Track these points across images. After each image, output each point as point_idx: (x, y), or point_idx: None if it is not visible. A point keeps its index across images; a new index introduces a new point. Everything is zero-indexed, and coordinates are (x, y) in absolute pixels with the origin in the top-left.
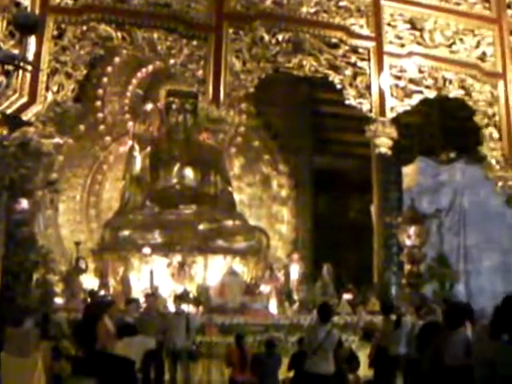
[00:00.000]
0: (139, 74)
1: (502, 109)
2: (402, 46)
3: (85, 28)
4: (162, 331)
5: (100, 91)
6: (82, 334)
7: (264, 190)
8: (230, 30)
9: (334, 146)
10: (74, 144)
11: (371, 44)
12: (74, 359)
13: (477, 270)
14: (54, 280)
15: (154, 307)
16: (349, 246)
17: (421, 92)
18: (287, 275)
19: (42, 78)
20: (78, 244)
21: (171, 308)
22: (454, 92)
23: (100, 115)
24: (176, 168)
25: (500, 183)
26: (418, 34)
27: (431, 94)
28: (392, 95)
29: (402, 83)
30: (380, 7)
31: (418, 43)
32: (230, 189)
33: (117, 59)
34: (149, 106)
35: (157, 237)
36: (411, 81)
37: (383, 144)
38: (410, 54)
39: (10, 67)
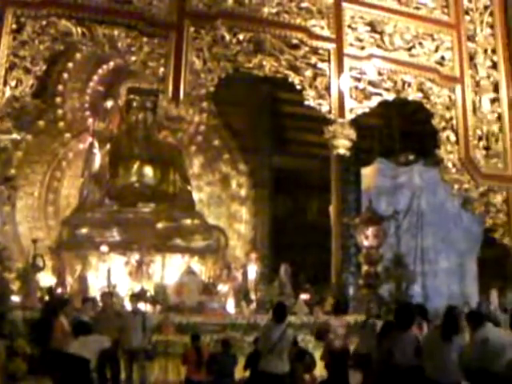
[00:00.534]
0: (100, 71)
1: (459, 112)
2: (362, 48)
3: (44, 23)
4: (119, 330)
5: (60, 87)
6: (37, 332)
7: (223, 189)
8: (192, 29)
9: (293, 146)
10: (32, 140)
11: (331, 46)
12: (29, 358)
13: (433, 272)
14: (10, 278)
15: (111, 306)
16: (307, 246)
17: (380, 94)
18: (245, 275)
19: (0, 72)
20: (35, 241)
21: (128, 307)
22: (413, 95)
23: (60, 111)
24: (135, 166)
25: (456, 186)
26: (378, 36)
27: (390, 97)
28: (351, 97)
29: (361, 85)
30: (341, 9)
31: (378, 46)
32: (189, 188)
33: (78, 55)
34: (109, 103)
35: (115, 235)
36: (370, 83)
37: (342, 145)
38: (370, 56)
39: None
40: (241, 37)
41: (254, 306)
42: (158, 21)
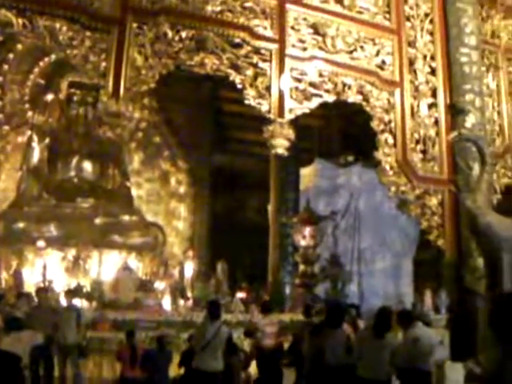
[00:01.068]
0: (41, 64)
1: (398, 116)
2: (304, 49)
3: None
4: (53, 326)
5: (0, 78)
6: None
7: (162, 186)
8: (134, 24)
9: (234, 144)
10: None
11: (274, 46)
12: None
13: (370, 272)
14: None
15: (46, 302)
16: (245, 244)
17: (320, 96)
18: (182, 272)
19: None
20: None
21: (63, 303)
22: (353, 97)
23: None
24: (74, 161)
25: (393, 188)
26: (320, 39)
27: (330, 98)
28: (291, 97)
29: (302, 86)
30: (285, 11)
31: (320, 48)
32: (128, 184)
33: (19, 46)
34: (49, 97)
35: (52, 230)
36: (311, 84)
37: (280, 145)
38: (312, 58)
39: None
40: (183, 34)
41: (190, 303)
42: (101, 15)
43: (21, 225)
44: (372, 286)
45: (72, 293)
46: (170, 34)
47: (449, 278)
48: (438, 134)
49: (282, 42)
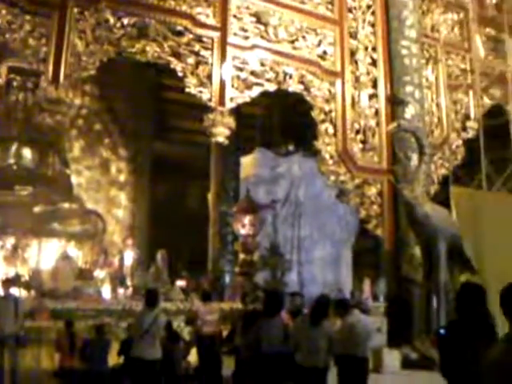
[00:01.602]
0: None
1: (339, 106)
2: (246, 38)
3: None
4: None
5: None
6: None
7: (103, 174)
8: (75, 10)
9: (175, 132)
10: None
11: (216, 34)
12: None
13: (309, 260)
14: None
15: None
16: (185, 232)
17: (261, 85)
18: (122, 260)
19: None
20: None
21: (0, 292)
22: (294, 87)
23: None
24: (14, 148)
25: (332, 177)
26: (262, 28)
27: (271, 88)
28: (233, 86)
29: (243, 75)
30: None
31: (262, 37)
32: (68, 171)
33: None
34: None
35: None
36: (252, 73)
37: (221, 133)
38: (254, 46)
39: None
40: (125, 21)
41: (129, 291)
42: None
43: None
44: (311, 275)
45: (10, 282)
46: (111, 20)
47: (387, 266)
48: (377, 124)
49: (224, 30)
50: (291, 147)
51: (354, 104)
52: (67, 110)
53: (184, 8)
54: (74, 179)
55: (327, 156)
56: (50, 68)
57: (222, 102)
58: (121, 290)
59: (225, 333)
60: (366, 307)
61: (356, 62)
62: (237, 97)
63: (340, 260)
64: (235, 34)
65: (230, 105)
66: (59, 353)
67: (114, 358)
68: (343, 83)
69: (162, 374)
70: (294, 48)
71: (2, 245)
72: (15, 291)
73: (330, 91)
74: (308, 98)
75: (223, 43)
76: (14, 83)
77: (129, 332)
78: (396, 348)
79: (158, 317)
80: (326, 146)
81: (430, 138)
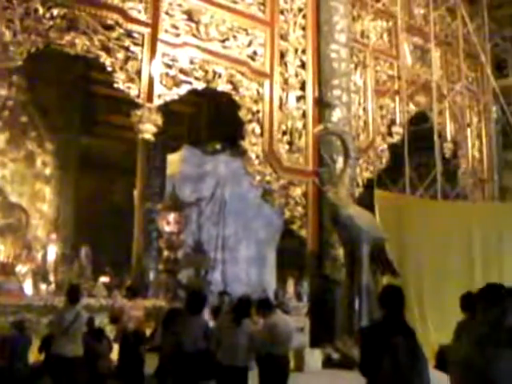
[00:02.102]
0: None
1: (266, 107)
2: (177, 35)
3: None
4: None
5: None
6: None
7: (27, 167)
8: None
9: (102, 127)
10: None
11: (146, 30)
12: None
13: (233, 259)
14: None
15: None
16: (110, 229)
17: (190, 83)
18: (45, 255)
19: None
20: None
21: None
22: (223, 86)
23: None
24: None
25: (258, 177)
26: (193, 25)
27: (200, 86)
28: (161, 83)
29: (172, 72)
30: None
31: (193, 35)
32: None
33: None
34: None
35: None
36: (182, 71)
37: (148, 130)
38: (184, 44)
39: None
40: (55, 12)
41: (52, 287)
42: None
43: None
44: (235, 274)
45: None
46: (40, 10)
47: (310, 267)
48: (304, 126)
49: (155, 26)
50: (218, 146)
51: (281, 105)
52: None
53: (115, 2)
54: None
55: (253, 156)
56: None
57: (150, 99)
58: (43, 286)
59: (148, 331)
60: (287, 307)
61: (285, 64)
62: (165, 94)
63: (264, 260)
64: (166, 31)
65: (158, 102)
66: None
67: (34, 355)
68: (272, 84)
69: (84, 372)
70: (225, 47)
71: None
72: None
73: (258, 92)
74: (236, 98)
75: (154, 39)
76: None
77: (50, 328)
78: (318, 348)
79: (80, 313)
80: (253, 146)
81: (355, 141)
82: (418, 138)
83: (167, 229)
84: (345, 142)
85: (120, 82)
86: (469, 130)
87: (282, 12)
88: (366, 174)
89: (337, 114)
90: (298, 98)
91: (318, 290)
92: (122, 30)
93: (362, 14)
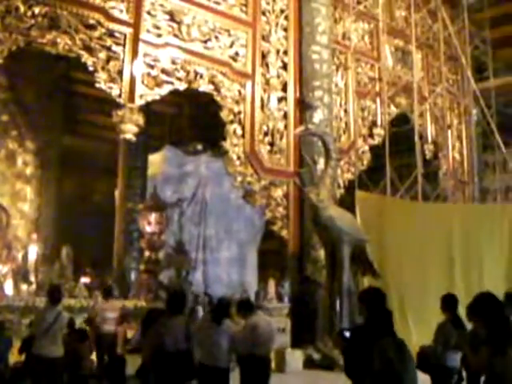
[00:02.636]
0: None
1: (248, 107)
2: (159, 36)
3: None
4: None
5: None
6: None
7: (8, 167)
8: None
9: (84, 127)
10: None
11: (128, 30)
12: None
13: (214, 260)
14: None
15: None
16: (91, 229)
17: (171, 83)
18: (26, 255)
19: None
20: None
21: None
22: (204, 86)
23: None
24: None
25: (239, 178)
26: (176, 26)
27: (182, 86)
28: (143, 83)
29: (154, 72)
30: None
31: (175, 35)
32: None
33: None
34: None
35: None
36: (163, 71)
37: (129, 130)
38: (166, 44)
39: None
40: (36, 10)
41: (33, 287)
42: None
43: None
44: (216, 275)
45: None
46: (22, 8)
47: (291, 267)
48: (286, 127)
49: (136, 26)
50: (200, 146)
51: (263, 106)
52: None
53: (97, 1)
54: None
55: (235, 157)
56: None
57: (131, 99)
58: (24, 286)
59: (130, 332)
60: (268, 308)
61: (267, 65)
62: (147, 94)
63: (245, 260)
64: (148, 31)
65: (139, 102)
66: None
67: (15, 356)
68: (253, 85)
69: (65, 372)
70: (206, 48)
71: None
72: None
73: (240, 92)
74: (218, 99)
75: (135, 39)
76: None
77: (31, 329)
78: (299, 348)
79: (61, 314)
80: (234, 146)
81: (337, 142)
82: (399, 140)
83: (148, 229)
84: (326, 143)
85: (102, 81)
86: (449, 131)
87: (263, 13)
88: (347, 175)
89: (318, 116)
90: (280, 99)
91: (299, 290)
92: (103, 30)
93: (343, 15)
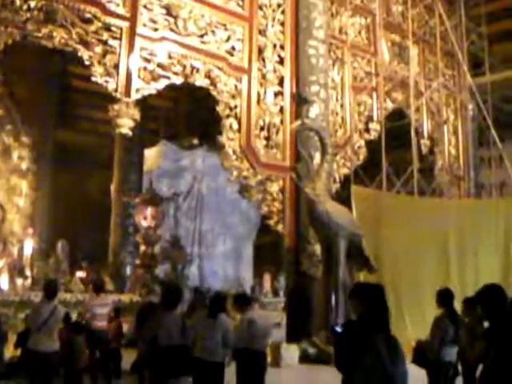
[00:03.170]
0: None
1: (244, 102)
2: (156, 30)
3: None
4: None
5: None
6: None
7: (4, 161)
8: None
9: (80, 121)
10: None
11: (125, 24)
12: None
13: (210, 254)
14: None
15: None
16: (87, 223)
17: (168, 77)
18: (21, 250)
19: None
20: None
21: None
22: (200, 81)
23: None
24: None
25: (235, 173)
26: (172, 20)
27: (178, 81)
28: (139, 77)
29: (150, 66)
30: None
31: (172, 29)
32: None
33: None
34: None
35: None
36: (160, 65)
37: (125, 124)
38: (162, 38)
39: None
40: (32, 4)
41: (29, 282)
42: None
43: None
44: (212, 269)
45: None
46: (17, 2)
47: (287, 262)
48: (282, 121)
49: (133, 20)
50: (195, 141)
51: (259, 101)
52: None
53: None
54: None
55: (231, 151)
56: None
57: (127, 93)
58: (19, 281)
59: (125, 325)
60: (264, 302)
61: (263, 59)
62: (143, 88)
63: (241, 255)
64: (144, 25)
65: (135, 96)
66: None
67: (10, 351)
68: (250, 79)
69: (60, 367)
70: (203, 42)
71: None
72: None
73: (236, 87)
74: (214, 93)
75: (132, 33)
76: None
77: (26, 324)
78: (295, 343)
79: (57, 308)
80: (230, 141)
81: (333, 137)
82: (395, 135)
83: (144, 223)
84: (322, 138)
85: (98, 75)
86: (445, 127)
87: (260, 7)
88: (343, 170)
89: (314, 110)
90: (276, 94)
91: (294, 285)
92: (100, 24)
93: (340, 10)
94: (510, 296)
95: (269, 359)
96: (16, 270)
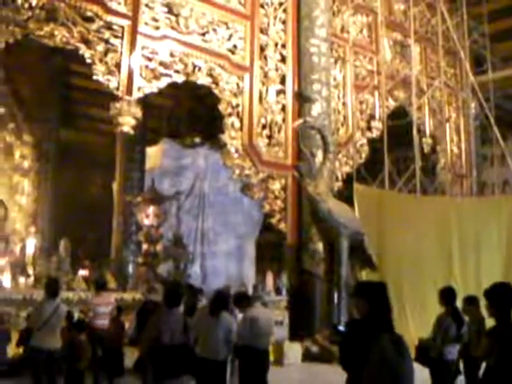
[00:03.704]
0: None
1: (246, 100)
2: (157, 28)
3: None
4: None
5: None
6: None
7: (6, 160)
8: None
9: (82, 120)
10: None
11: (126, 22)
12: None
13: (213, 253)
14: None
15: None
16: (89, 221)
17: (170, 76)
18: (24, 248)
19: None
20: None
21: None
22: (202, 79)
23: None
24: None
25: (237, 171)
26: (173, 18)
27: (180, 79)
28: (141, 75)
29: (152, 65)
30: None
31: (173, 28)
32: None
33: None
34: None
35: None
36: (161, 64)
37: (127, 123)
38: (164, 37)
39: None
40: (33, 2)
41: (31, 280)
42: None
43: None
44: (215, 267)
45: None
46: (19, 0)
47: (289, 260)
48: (284, 120)
49: (134, 18)
50: (197, 139)
51: (261, 99)
52: None
53: None
54: None
55: (233, 149)
56: None
57: (129, 91)
58: (22, 279)
59: (127, 323)
60: (265, 300)
61: (265, 58)
62: (144, 87)
63: (243, 253)
64: (146, 24)
65: (137, 94)
66: None
67: (13, 349)
68: (251, 78)
69: (63, 364)
70: (204, 41)
71: None
72: None
73: (238, 85)
74: (216, 91)
75: (133, 32)
76: None
77: (29, 322)
78: (297, 341)
79: (59, 307)
80: (232, 139)
81: (335, 135)
82: (397, 133)
83: (146, 222)
84: (324, 136)
85: (100, 74)
86: (447, 125)
87: (262, 6)
88: (346, 169)
89: (316, 109)
90: (278, 92)
91: (297, 283)
92: (101, 22)
93: (342, 8)
94: None
95: (271, 357)
96: (18, 268)
